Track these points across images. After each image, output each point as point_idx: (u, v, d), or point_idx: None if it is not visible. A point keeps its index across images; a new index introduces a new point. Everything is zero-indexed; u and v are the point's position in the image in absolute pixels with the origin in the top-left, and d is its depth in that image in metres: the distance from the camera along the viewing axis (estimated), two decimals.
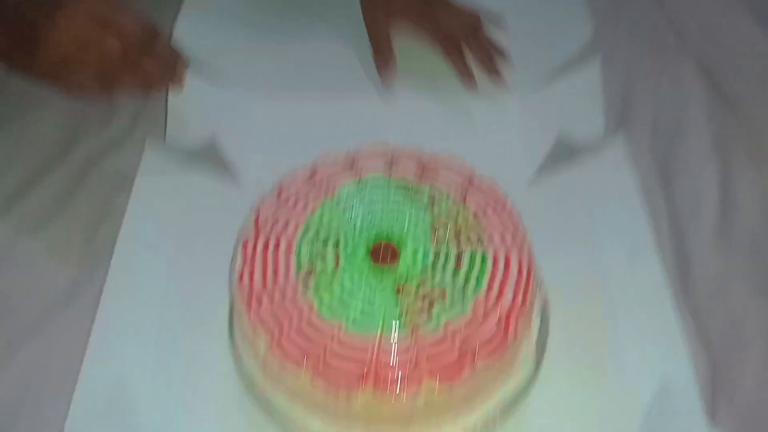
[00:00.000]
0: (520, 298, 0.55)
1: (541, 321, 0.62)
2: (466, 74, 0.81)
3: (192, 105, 0.76)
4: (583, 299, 0.64)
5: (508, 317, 0.54)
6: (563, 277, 0.65)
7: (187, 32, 0.85)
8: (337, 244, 0.59)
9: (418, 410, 0.53)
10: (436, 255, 0.58)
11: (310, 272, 0.57)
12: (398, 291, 0.56)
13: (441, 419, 0.55)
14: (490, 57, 0.82)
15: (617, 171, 0.73)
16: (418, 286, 0.56)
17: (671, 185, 0.74)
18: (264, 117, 0.81)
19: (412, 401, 0.52)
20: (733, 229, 0.71)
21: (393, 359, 0.52)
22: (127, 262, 0.66)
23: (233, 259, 0.59)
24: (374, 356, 0.52)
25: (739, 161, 0.76)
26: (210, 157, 0.76)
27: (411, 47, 0.84)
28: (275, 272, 0.57)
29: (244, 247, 0.59)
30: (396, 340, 0.53)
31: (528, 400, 0.58)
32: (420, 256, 0.58)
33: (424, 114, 0.80)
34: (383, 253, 0.57)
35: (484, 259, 0.57)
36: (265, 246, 0.59)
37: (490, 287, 0.56)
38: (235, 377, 0.60)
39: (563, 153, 0.76)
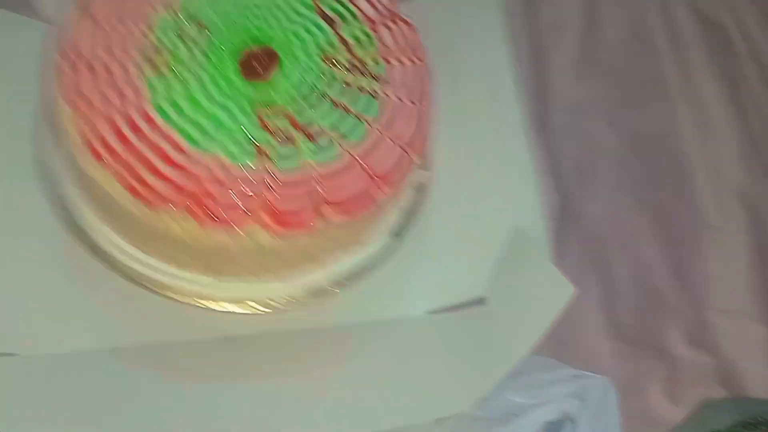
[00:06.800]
0: (395, 153, 0.47)
1: None
2: None
3: None
4: (439, 139, 0.56)
5: (375, 175, 0.46)
6: None
7: None
8: (195, 42, 0.47)
9: (252, 256, 0.45)
10: (319, 80, 0.48)
11: (158, 67, 0.46)
12: (263, 113, 0.46)
13: (280, 273, 0.49)
14: None
15: None
16: (287, 114, 0.46)
17: (536, 8, 0.68)
18: None
19: (238, 240, 0.44)
20: (594, 55, 0.67)
21: (228, 186, 0.44)
22: None
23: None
24: (206, 178, 0.43)
25: None
26: None
27: None
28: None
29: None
30: (240, 168, 0.44)
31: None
32: (298, 76, 0.48)
33: None
34: (256, 60, 0.47)
35: (371, 104, 0.48)
36: None
37: (368, 136, 0.47)
38: (49, 209, 0.51)
39: None
